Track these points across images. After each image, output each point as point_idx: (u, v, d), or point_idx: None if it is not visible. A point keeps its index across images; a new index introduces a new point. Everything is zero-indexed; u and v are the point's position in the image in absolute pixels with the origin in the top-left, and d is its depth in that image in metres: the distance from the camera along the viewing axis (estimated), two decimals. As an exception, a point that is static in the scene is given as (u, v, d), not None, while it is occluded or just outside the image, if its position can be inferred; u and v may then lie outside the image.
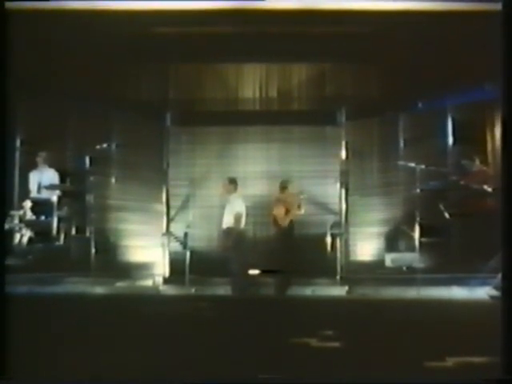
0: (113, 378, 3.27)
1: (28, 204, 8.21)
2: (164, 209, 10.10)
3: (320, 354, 3.83)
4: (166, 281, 9.17)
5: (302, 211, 8.65)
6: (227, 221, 8.54)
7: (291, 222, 8.54)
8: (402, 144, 9.71)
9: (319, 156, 10.09)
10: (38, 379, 3.25)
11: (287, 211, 8.53)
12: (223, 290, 8.27)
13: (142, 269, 9.38)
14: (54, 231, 8.16)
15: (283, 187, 8.73)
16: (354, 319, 5.13)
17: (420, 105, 9.44)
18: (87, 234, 8.43)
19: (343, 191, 9.98)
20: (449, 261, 8.11)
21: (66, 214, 8.41)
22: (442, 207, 8.36)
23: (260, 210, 9.26)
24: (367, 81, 9.85)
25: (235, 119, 10.06)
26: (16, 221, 8.04)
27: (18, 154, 8.83)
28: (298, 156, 10.10)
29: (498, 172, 6.02)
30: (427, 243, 8.09)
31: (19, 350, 3.51)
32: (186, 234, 9.13)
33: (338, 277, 8.79)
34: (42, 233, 8.16)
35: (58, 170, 8.64)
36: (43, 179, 8.53)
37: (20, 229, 8.07)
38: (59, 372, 3.32)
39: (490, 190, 7.91)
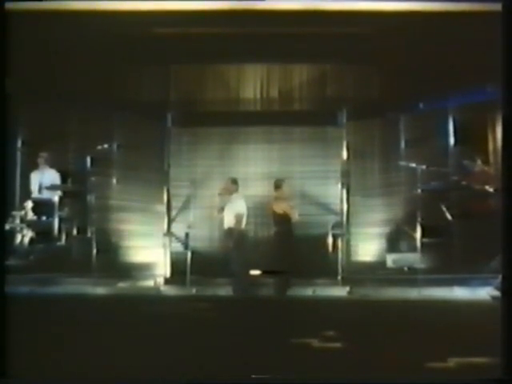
0: (113, 378, 3.27)
1: (29, 204, 8.22)
2: (165, 209, 10.09)
3: (321, 354, 3.83)
4: (167, 281, 9.16)
5: (297, 216, 8.63)
6: (228, 221, 8.55)
7: (291, 221, 8.54)
8: (403, 144, 9.70)
9: (320, 156, 10.09)
10: (38, 379, 3.25)
11: (286, 207, 8.55)
12: (224, 290, 8.27)
13: (143, 269, 9.38)
14: (56, 231, 8.17)
15: (277, 186, 8.75)
16: (355, 320, 5.13)
17: (421, 105, 9.43)
18: (88, 235, 8.42)
19: (344, 192, 9.97)
20: (450, 261, 8.10)
21: (67, 215, 8.42)
22: (443, 208, 8.35)
23: (261, 210, 9.26)
24: (368, 81, 9.84)
25: (236, 120, 10.05)
26: (17, 221, 8.05)
27: (19, 155, 8.85)
28: (299, 156, 10.10)
29: (499, 172, 6.01)
30: (429, 244, 8.08)
31: (19, 350, 3.51)
32: (187, 235, 9.14)
33: (339, 277, 8.78)
34: (43, 233, 8.17)
35: (59, 170, 8.66)
36: (44, 180, 8.55)
37: (21, 229, 8.09)
38: (59, 372, 3.32)
39: (491, 190, 7.90)
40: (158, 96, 9.90)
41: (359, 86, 9.84)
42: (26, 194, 8.52)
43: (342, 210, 9.97)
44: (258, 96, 10.12)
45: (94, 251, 8.14)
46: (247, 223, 8.67)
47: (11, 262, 7.04)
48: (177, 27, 8.21)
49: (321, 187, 10.02)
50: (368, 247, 9.78)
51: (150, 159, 10.05)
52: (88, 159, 8.48)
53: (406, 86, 9.05)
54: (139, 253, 9.58)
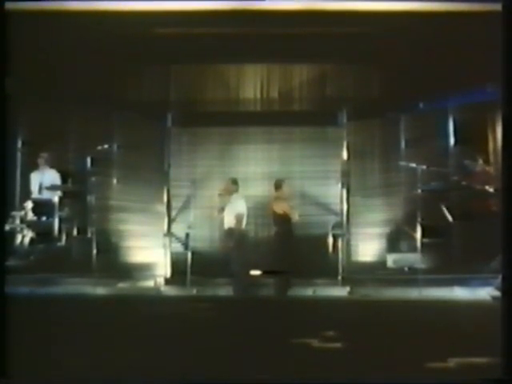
0: (114, 378, 3.27)
1: (29, 205, 8.22)
2: (165, 209, 10.08)
3: (321, 354, 3.82)
4: (167, 281, 9.15)
5: (297, 216, 8.62)
6: (228, 221, 8.55)
7: (291, 222, 8.53)
8: (403, 144, 9.70)
9: (320, 157, 10.08)
10: (38, 379, 3.25)
11: (286, 207, 8.55)
12: (224, 290, 8.27)
13: (143, 269, 9.37)
14: (56, 232, 8.17)
15: (278, 186, 8.74)
16: (355, 320, 5.13)
17: (421, 105, 9.43)
18: (88, 235, 8.42)
19: (345, 192, 9.96)
20: (451, 261, 8.10)
21: (67, 215, 8.42)
22: (443, 208, 8.35)
23: (261, 210, 9.26)
24: (368, 81, 9.84)
25: (236, 120, 10.04)
26: (17, 221, 8.06)
27: (19, 155, 8.85)
28: (299, 157, 10.09)
29: (499, 172, 6.01)
30: (429, 244, 8.08)
31: (19, 350, 3.51)
32: (187, 235, 9.14)
33: (339, 277, 8.78)
34: (43, 233, 8.17)
35: (59, 170, 8.66)
36: (44, 180, 8.54)
37: (21, 229, 8.09)
38: (59, 372, 3.32)
39: (491, 190, 7.90)
40: (158, 96, 9.90)
41: (359, 86, 9.85)
42: (26, 194, 8.52)
43: (342, 210, 9.96)
44: (258, 96, 10.12)
45: (94, 251, 8.14)
46: (247, 223, 8.68)
47: (11, 262, 7.04)
48: (177, 27, 8.21)
49: (321, 187, 10.02)
50: (368, 247, 9.77)
51: (150, 159, 10.05)
52: (88, 159, 8.48)
53: (406, 86, 9.05)
54: (139, 253, 9.57)
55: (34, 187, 8.58)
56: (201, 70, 9.96)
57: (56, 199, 8.29)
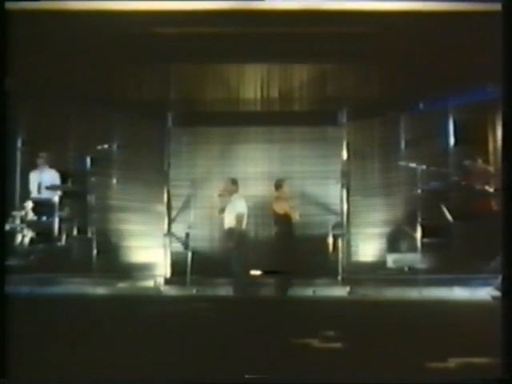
0: (113, 378, 3.27)
1: (29, 204, 8.22)
2: (165, 209, 10.08)
3: (321, 354, 3.82)
4: (167, 281, 9.14)
5: (298, 216, 8.63)
6: (229, 221, 8.55)
7: (292, 222, 8.54)
8: (403, 144, 9.71)
9: (320, 156, 10.09)
10: (38, 379, 3.25)
11: (287, 207, 8.55)
12: (225, 290, 8.27)
13: (143, 269, 9.36)
14: (56, 232, 8.17)
15: (278, 186, 8.73)
16: (355, 320, 5.13)
17: (421, 105, 9.43)
18: (89, 235, 8.43)
19: (344, 192, 9.97)
20: (451, 261, 8.09)
21: (67, 215, 8.42)
22: (443, 208, 8.35)
23: (261, 210, 9.26)
24: (368, 81, 9.84)
25: (236, 120, 10.05)
26: (17, 221, 8.05)
27: (19, 155, 8.85)
28: (299, 156, 10.10)
29: (499, 172, 6.01)
30: (429, 244, 8.09)
31: (19, 350, 3.51)
32: (187, 235, 9.13)
33: (339, 277, 8.77)
34: (43, 233, 8.17)
35: (59, 170, 8.65)
36: (44, 180, 8.54)
37: (21, 229, 8.08)
38: (59, 372, 3.32)
39: (491, 190, 7.90)
40: (158, 95, 9.91)
41: (359, 86, 9.85)
42: (26, 194, 8.52)
43: (342, 210, 9.97)
44: (259, 96, 10.13)
45: (94, 251, 8.14)
46: (248, 223, 8.68)
47: (11, 261, 7.04)
48: (177, 27, 8.22)
49: (321, 187, 10.03)
50: (368, 247, 9.78)
51: (150, 159, 10.05)
52: (88, 159, 8.48)
53: (406, 86, 9.05)
54: (139, 253, 9.58)
55: (34, 187, 8.58)
56: (201, 69, 9.96)
57: (56, 199, 8.29)
